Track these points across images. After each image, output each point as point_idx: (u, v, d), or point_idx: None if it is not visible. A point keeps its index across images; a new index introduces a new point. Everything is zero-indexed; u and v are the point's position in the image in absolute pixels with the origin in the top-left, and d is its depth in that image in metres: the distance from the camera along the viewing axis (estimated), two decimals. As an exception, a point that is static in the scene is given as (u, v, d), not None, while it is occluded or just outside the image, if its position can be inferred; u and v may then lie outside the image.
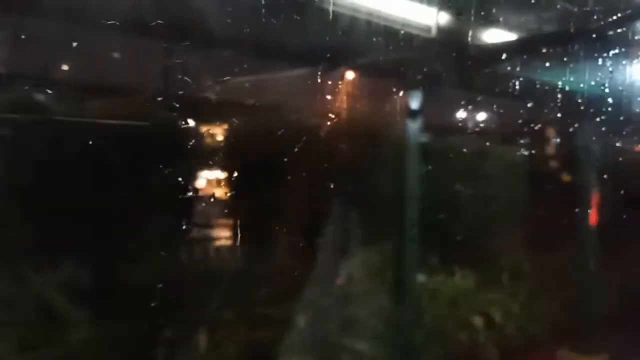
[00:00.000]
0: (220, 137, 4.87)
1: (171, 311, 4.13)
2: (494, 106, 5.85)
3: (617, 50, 5.80)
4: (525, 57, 5.65)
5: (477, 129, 6.12)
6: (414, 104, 4.79)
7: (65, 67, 4.59)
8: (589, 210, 6.58)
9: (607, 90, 6.05)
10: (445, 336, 5.80)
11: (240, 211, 4.67)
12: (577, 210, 6.54)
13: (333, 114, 4.50)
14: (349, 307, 5.06)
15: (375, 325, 5.04)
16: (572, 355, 6.33)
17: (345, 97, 4.57)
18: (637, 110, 6.30)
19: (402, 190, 4.81)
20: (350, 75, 4.61)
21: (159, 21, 3.91)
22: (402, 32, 4.64)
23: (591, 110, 6.37)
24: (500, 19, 6.10)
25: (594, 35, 5.50)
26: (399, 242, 4.91)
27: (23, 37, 3.73)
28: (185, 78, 4.05)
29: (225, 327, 4.50)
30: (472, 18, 5.35)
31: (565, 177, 7.02)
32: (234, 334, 4.54)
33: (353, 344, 5.02)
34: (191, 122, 4.77)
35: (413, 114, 4.77)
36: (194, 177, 4.62)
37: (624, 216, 6.41)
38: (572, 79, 5.80)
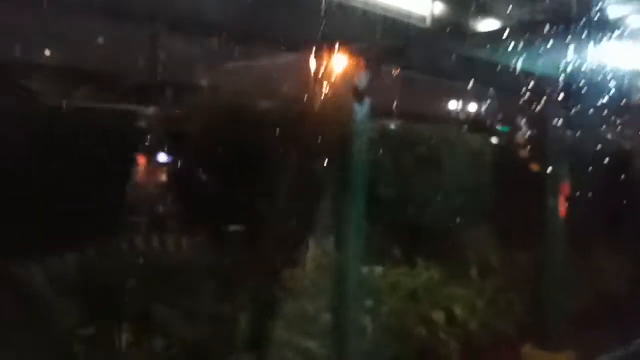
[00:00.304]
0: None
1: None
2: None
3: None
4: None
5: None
6: (361, 87, 4.50)
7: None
8: (556, 203, 6.29)
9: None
10: (401, 332, 5.56)
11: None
12: (542, 202, 6.25)
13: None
14: (287, 303, 4.82)
15: (318, 321, 4.79)
16: (536, 352, 6.10)
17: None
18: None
19: (348, 179, 4.51)
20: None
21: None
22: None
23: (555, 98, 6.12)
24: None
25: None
26: (344, 233, 4.63)
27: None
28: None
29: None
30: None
31: (530, 168, 6.75)
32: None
33: (295, 340, 4.78)
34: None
35: (360, 97, 4.48)
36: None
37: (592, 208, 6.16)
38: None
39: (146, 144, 4.40)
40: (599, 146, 6.98)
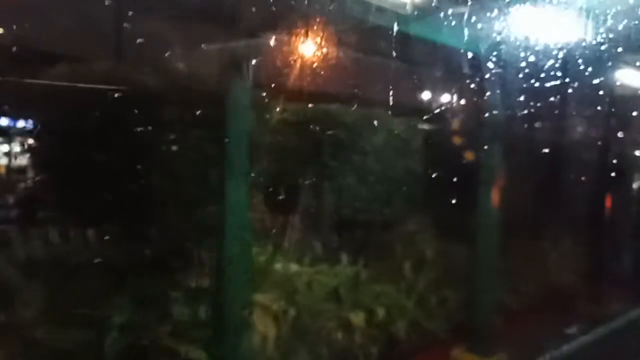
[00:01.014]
0: None
1: None
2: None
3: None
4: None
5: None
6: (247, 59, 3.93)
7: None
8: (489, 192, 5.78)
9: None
10: (312, 337, 5.01)
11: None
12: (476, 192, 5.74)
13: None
14: (174, 306, 4.25)
15: (209, 328, 4.22)
16: (466, 356, 5.61)
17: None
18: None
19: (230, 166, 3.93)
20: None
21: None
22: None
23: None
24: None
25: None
26: (232, 226, 4.05)
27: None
28: None
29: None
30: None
31: (464, 155, 6.25)
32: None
33: (181, 350, 4.20)
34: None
35: (241, 74, 3.89)
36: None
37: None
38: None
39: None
40: (539, 134, 6.53)
